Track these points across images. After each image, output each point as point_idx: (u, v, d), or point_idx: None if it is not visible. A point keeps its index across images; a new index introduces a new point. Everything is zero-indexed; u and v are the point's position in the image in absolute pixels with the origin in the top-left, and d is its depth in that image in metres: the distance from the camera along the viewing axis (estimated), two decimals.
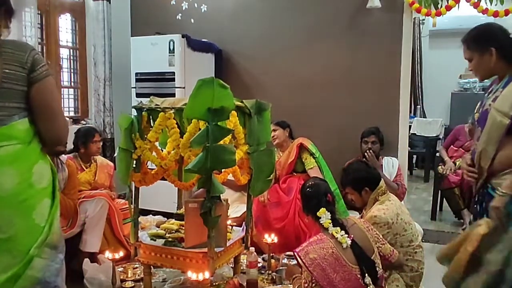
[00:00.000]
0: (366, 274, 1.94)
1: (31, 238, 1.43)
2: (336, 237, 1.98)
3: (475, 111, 2.02)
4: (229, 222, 2.82)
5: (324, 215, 2.06)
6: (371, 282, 1.93)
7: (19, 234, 1.40)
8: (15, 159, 1.42)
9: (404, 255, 2.29)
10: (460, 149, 4.36)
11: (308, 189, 2.22)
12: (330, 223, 2.04)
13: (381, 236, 2.15)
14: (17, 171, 1.41)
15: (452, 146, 4.46)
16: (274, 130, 3.53)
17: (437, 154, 4.68)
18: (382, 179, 2.48)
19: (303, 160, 3.45)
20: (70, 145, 3.18)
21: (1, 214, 1.38)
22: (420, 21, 6.92)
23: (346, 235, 2.00)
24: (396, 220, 2.29)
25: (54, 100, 1.52)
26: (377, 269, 2.01)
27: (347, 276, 1.92)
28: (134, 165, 2.43)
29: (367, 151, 3.50)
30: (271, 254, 2.83)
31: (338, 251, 1.95)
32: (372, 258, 2.01)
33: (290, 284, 2.47)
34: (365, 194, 2.42)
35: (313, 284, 1.94)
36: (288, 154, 3.49)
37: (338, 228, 2.02)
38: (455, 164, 4.20)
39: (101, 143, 3.41)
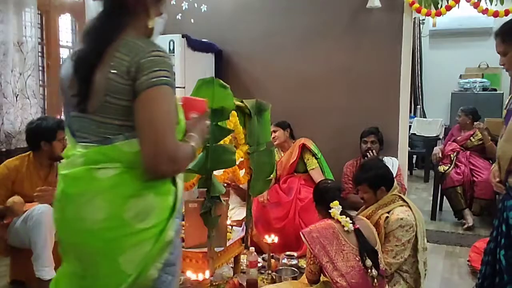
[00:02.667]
0: (368, 258, 1.97)
1: (112, 285, 1.15)
2: (340, 221, 2.07)
3: (505, 107, 2.02)
4: (229, 222, 2.82)
5: (336, 206, 2.14)
6: (373, 267, 1.97)
7: (101, 275, 1.16)
8: (112, 186, 1.13)
9: (413, 257, 2.30)
10: (453, 143, 4.42)
11: (325, 184, 2.38)
12: (338, 213, 2.12)
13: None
14: (109, 202, 1.13)
15: (448, 142, 4.53)
16: (274, 131, 3.54)
17: None
18: (395, 179, 2.49)
19: (305, 161, 3.46)
20: None
21: (86, 248, 1.16)
22: (420, 21, 6.92)
23: (351, 222, 2.08)
24: (416, 222, 2.30)
25: (156, 118, 1.10)
26: (379, 260, 2.04)
27: (346, 256, 1.98)
28: None
29: (369, 151, 3.50)
30: (271, 254, 2.83)
31: (340, 232, 2.04)
32: (375, 248, 2.05)
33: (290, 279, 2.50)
34: (380, 193, 2.38)
35: (312, 262, 2.02)
36: (290, 154, 3.49)
37: (344, 216, 2.10)
38: (451, 158, 4.27)
39: None
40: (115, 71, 1.11)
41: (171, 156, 1.11)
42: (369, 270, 1.98)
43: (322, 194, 2.29)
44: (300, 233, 2.12)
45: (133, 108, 1.11)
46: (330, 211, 2.14)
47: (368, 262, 1.98)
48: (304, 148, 3.47)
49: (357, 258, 1.99)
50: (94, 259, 1.16)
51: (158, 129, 1.10)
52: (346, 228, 2.05)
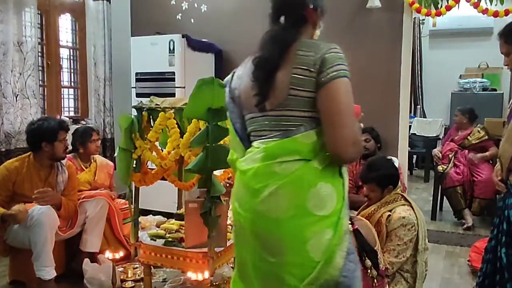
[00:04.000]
0: (367, 259, 1.96)
1: (302, 272, 1.22)
2: None
3: (508, 106, 2.04)
4: (229, 222, 2.82)
5: None
6: (372, 267, 1.96)
7: (289, 263, 1.23)
8: (295, 178, 1.23)
9: (413, 257, 2.30)
10: (451, 142, 4.44)
11: None
12: None
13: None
14: (293, 193, 1.23)
15: (446, 142, 4.55)
16: None
17: None
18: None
19: None
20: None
21: (273, 236, 1.24)
22: (420, 21, 6.92)
23: (350, 223, 2.04)
24: (418, 221, 2.29)
25: (339, 107, 1.21)
26: (379, 260, 2.03)
27: None
28: (134, 165, 2.43)
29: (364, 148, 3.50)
30: None
31: None
32: (375, 248, 2.04)
33: None
34: (387, 192, 2.38)
35: None
36: None
37: None
38: (449, 158, 4.28)
39: (100, 142, 3.41)
40: (300, 66, 1.24)
41: (355, 140, 1.24)
42: (369, 271, 1.97)
43: None
44: None
45: (317, 99, 1.23)
46: None
47: (368, 263, 1.98)
48: None
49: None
50: (282, 246, 1.23)
51: (343, 116, 1.21)
52: None
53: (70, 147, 2.97)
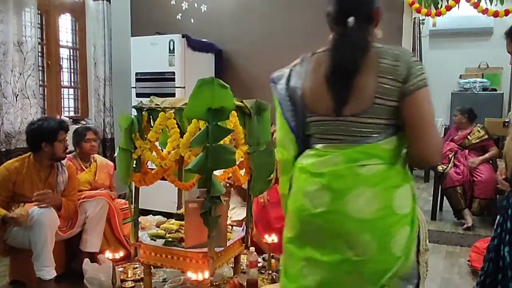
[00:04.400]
0: None
1: (384, 267, 1.29)
2: None
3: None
4: (229, 222, 2.82)
5: None
6: None
7: (373, 260, 1.28)
8: (379, 181, 1.28)
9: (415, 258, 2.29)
10: (451, 142, 4.45)
11: None
12: None
13: None
14: (379, 195, 1.27)
15: (446, 142, 4.56)
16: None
17: None
18: None
19: None
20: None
21: (360, 237, 1.27)
22: (420, 21, 6.91)
23: None
24: (419, 222, 2.29)
25: (423, 116, 1.26)
26: None
27: None
28: (134, 165, 2.43)
29: None
30: (271, 254, 2.83)
31: None
32: None
33: None
34: None
35: None
36: None
37: None
38: (449, 158, 4.30)
39: (97, 141, 3.35)
40: (387, 76, 1.25)
41: (439, 148, 1.32)
42: None
43: None
44: None
45: (401, 107, 1.26)
46: None
47: None
48: None
49: None
50: (369, 245, 1.27)
51: (429, 125, 1.27)
52: None
53: (69, 148, 2.96)
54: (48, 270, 2.53)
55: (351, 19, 1.29)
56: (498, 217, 2.02)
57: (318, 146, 1.37)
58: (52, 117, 3.16)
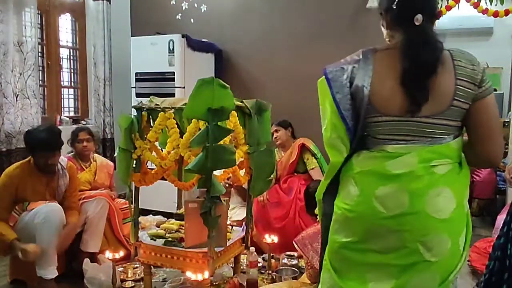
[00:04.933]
0: None
1: (452, 263, 1.31)
2: None
3: None
4: (229, 222, 2.82)
5: None
6: None
7: (447, 258, 1.30)
8: (454, 180, 1.30)
9: None
10: None
11: (311, 189, 2.26)
12: None
13: None
14: (455, 194, 1.29)
15: None
16: (276, 131, 3.55)
17: None
18: None
19: (305, 161, 3.46)
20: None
21: (439, 237, 1.27)
22: None
23: None
24: None
25: (492, 120, 1.32)
26: None
27: None
28: (134, 165, 2.43)
29: None
30: (271, 254, 2.83)
31: None
32: None
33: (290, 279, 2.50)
34: None
35: (310, 267, 2.00)
36: (290, 154, 3.50)
37: None
38: None
39: (91, 142, 3.28)
40: (466, 79, 1.27)
41: (502, 150, 1.38)
42: None
43: (313, 198, 2.24)
44: (293, 242, 2.09)
45: (470, 110, 1.29)
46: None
47: None
48: (303, 148, 3.48)
49: None
50: (446, 245, 1.28)
51: (497, 128, 1.33)
52: None
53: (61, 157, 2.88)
54: (51, 270, 2.53)
55: (419, 16, 1.27)
56: (506, 216, 2.02)
57: (387, 147, 1.32)
58: (49, 127, 2.80)
